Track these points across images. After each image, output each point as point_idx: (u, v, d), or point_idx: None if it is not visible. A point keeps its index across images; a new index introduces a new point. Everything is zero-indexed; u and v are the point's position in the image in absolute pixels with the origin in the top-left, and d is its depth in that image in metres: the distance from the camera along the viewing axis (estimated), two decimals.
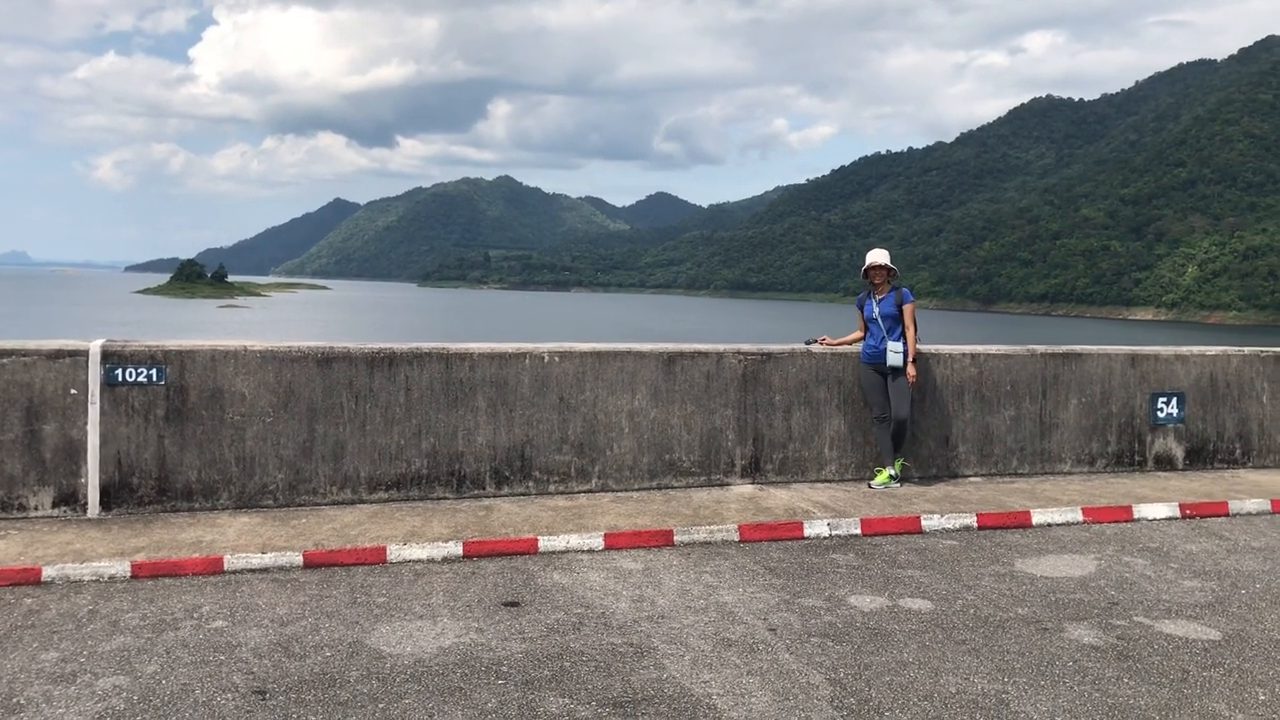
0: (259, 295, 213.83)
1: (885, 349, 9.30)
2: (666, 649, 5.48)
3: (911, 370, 9.27)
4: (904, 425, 9.32)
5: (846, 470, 9.61)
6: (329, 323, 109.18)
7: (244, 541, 7.03)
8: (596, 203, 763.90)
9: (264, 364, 8.08)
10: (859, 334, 9.69)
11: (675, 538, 7.56)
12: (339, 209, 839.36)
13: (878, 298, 9.52)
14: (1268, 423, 11.20)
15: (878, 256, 9.63)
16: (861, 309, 9.66)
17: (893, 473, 9.39)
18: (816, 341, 9.81)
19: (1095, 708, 4.87)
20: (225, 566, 6.61)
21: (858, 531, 8.00)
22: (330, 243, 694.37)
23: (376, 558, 6.91)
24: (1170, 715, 4.81)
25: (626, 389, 8.95)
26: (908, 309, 9.42)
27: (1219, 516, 9.01)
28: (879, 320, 9.40)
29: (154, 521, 7.59)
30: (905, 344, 9.32)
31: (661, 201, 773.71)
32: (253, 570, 6.64)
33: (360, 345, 8.45)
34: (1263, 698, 5.06)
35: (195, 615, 5.82)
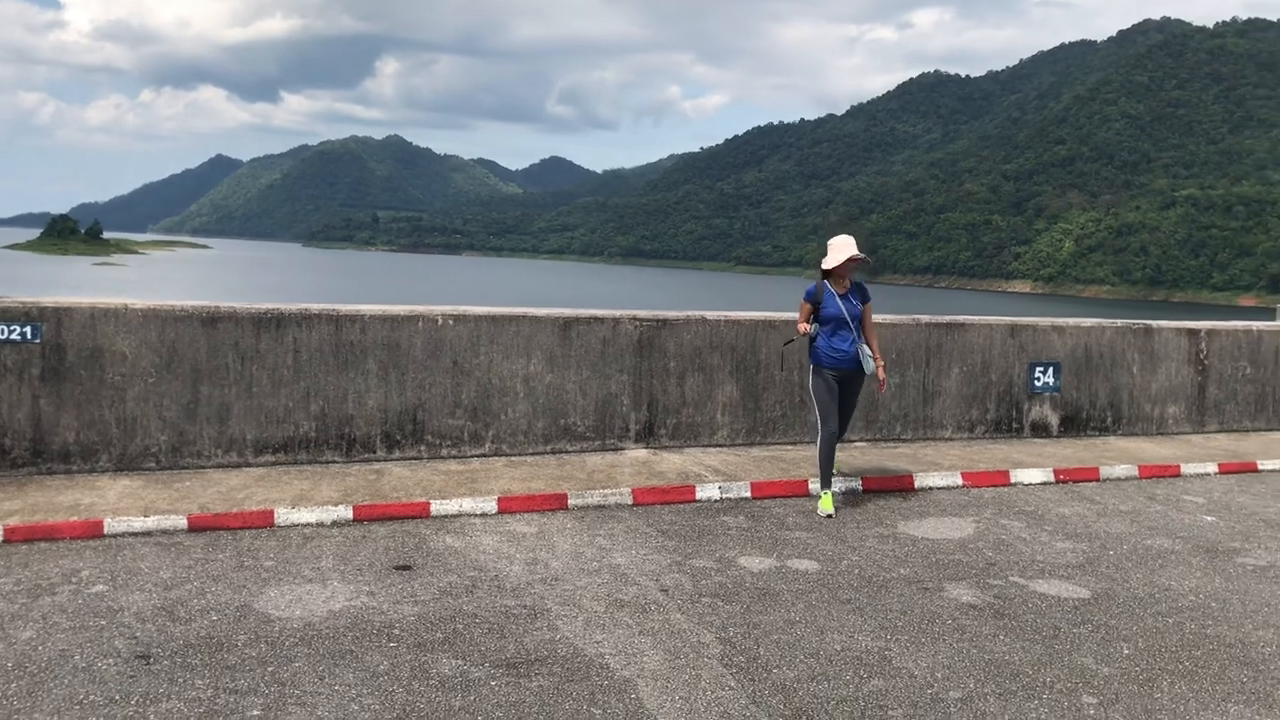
0: (136, 253, 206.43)
1: (858, 353, 7.97)
2: (560, 610, 5.52)
3: (882, 372, 8.17)
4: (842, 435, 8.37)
5: (737, 435, 9.76)
6: (212, 283, 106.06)
7: (125, 504, 6.83)
8: (489, 165, 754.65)
9: (146, 323, 7.83)
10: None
11: (569, 501, 7.59)
12: (220, 165, 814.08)
13: (840, 293, 8.06)
14: (1137, 392, 11.71)
15: (853, 247, 8.07)
16: (816, 304, 8.08)
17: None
18: (793, 340, 9.02)
19: (973, 663, 5.08)
20: (105, 530, 6.42)
21: (748, 495, 8.14)
22: (211, 200, 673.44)
23: (264, 521, 6.79)
24: (1042, 669, 5.04)
25: (522, 353, 8.92)
26: (870, 308, 8.27)
27: (1090, 481, 9.41)
28: (849, 321, 7.98)
29: (28, 484, 7.32)
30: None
31: (555, 165, 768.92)
32: (135, 534, 6.47)
33: (246, 305, 8.25)
34: (1127, 651, 5.33)
35: (74, 580, 5.65)
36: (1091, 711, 4.60)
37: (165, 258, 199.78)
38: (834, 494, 8.08)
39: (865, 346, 8.03)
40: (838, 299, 8.02)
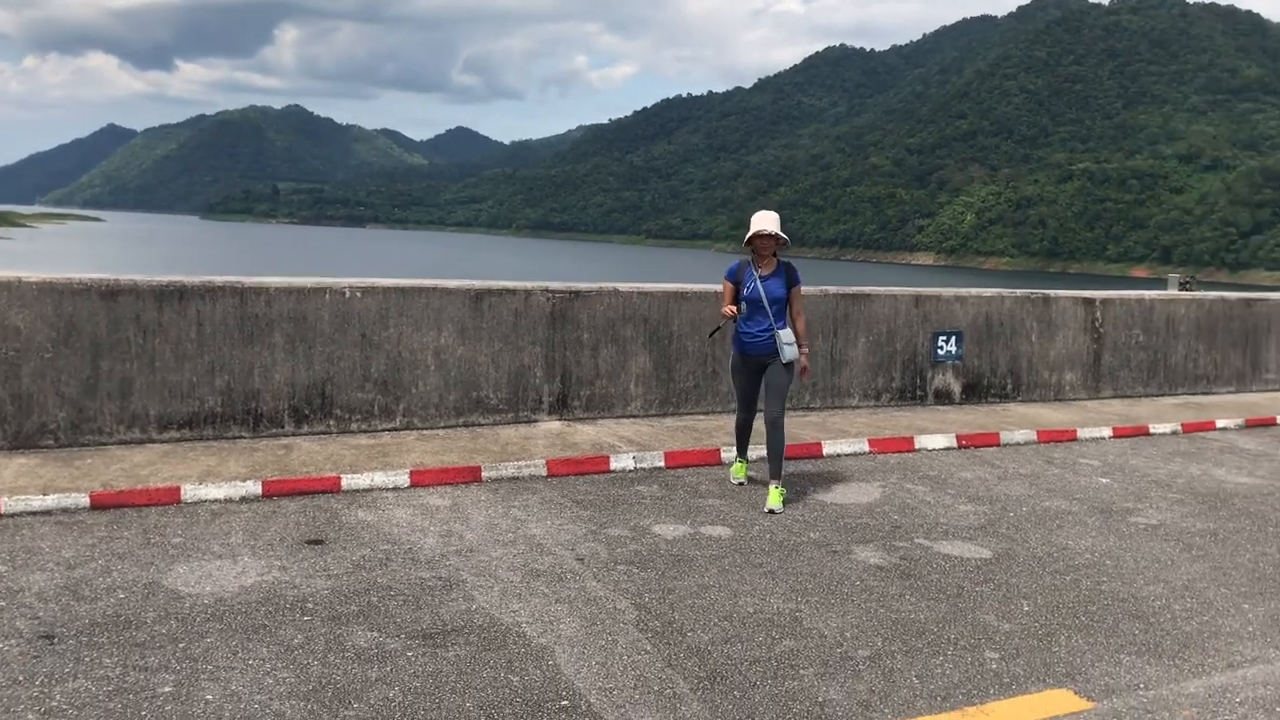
0: (24, 226, 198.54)
1: (775, 339, 7.37)
2: (475, 581, 5.52)
3: (804, 359, 7.61)
4: (780, 426, 7.49)
5: (651, 406, 9.83)
6: (108, 256, 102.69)
7: (23, 483, 6.64)
8: (393, 135, 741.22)
9: (41, 296, 7.58)
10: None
11: (483, 474, 7.58)
12: (113, 135, 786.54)
13: (762, 274, 7.42)
14: (1035, 359, 12.06)
15: (767, 222, 7.37)
16: (738, 284, 7.49)
17: (782, 491, 7.47)
18: (719, 329, 8.48)
19: (880, 622, 5.22)
20: (2, 510, 6.23)
21: (661, 464, 8.22)
22: (104, 171, 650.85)
23: (170, 498, 6.65)
24: (947, 627, 5.21)
25: (432, 326, 8.85)
26: (798, 292, 7.55)
27: (991, 446, 9.69)
28: (767, 305, 7.36)
29: None
30: (794, 331, 7.53)
31: (461, 136, 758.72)
32: (34, 513, 6.28)
33: (148, 278, 8.03)
34: (1026, 608, 5.53)
35: None
36: (994, 666, 4.77)
37: (55, 231, 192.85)
38: (746, 462, 8.06)
39: (786, 332, 7.39)
40: (759, 280, 7.39)
